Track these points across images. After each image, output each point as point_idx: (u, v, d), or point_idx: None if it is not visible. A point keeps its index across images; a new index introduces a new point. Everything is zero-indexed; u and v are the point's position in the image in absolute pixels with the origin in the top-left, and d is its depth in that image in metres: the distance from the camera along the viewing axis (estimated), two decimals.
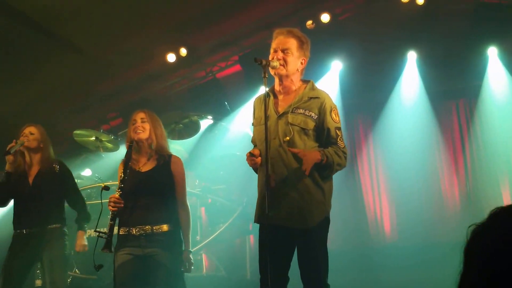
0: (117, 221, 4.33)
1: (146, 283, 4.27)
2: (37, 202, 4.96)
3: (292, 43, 3.89)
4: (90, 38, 7.76)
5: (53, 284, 4.84)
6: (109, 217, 4.29)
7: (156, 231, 4.27)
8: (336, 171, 3.77)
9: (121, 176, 4.32)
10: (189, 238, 4.45)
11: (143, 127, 4.51)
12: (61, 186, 5.10)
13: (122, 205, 4.24)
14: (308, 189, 3.72)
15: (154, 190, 4.37)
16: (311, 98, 3.87)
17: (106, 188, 4.39)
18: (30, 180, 5.06)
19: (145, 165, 4.45)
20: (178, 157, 4.60)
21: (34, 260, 5.00)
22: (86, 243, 5.14)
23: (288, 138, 3.73)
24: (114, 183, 5.92)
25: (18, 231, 4.96)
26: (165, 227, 4.30)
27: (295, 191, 3.71)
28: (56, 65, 8.06)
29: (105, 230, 4.27)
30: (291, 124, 3.77)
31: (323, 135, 3.82)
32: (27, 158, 5.13)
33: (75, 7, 7.02)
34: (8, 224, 5.23)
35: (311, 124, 3.79)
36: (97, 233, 4.26)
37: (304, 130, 3.77)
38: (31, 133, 5.12)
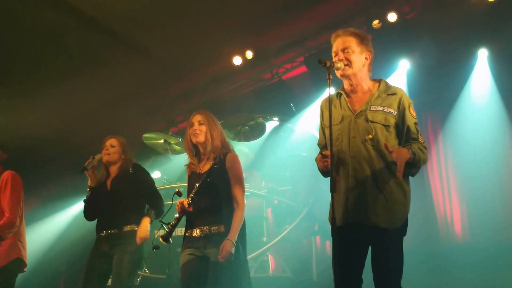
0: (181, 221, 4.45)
1: (206, 282, 4.34)
2: (114, 205, 5.07)
3: (351, 41, 3.86)
4: (157, 41, 7.92)
5: (114, 284, 4.90)
6: (176, 216, 4.42)
7: (214, 231, 4.36)
8: (420, 167, 3.72)
9: (196, 188, 4.39)
10: (235, 228, 4.39)
11: (200, 129, 4.63)
12: (136, 186, 5.15)
13: (190, 210, 4.36)
14: (391, 189, 3.68)
15: (211, 190, 4.44)
16: (388, 94, 3.84)
17: (179, 193, 4.49)
18: (108, 185, 5.21)
19: (204, 167, 4.55)
20: (234, 154, 4.67)
21: (112, 263, 5.00)
22: (148, 233, 5.07)
23: (370, 136, 3.68)
24: (183, 184, 6.05)
25: (98, 234, 5.10)
26: (222, 228, 4.38)
27: (378, 190, 3.65)
28: (124, 68, 8.26)
29: (170, 223, 4.41)
30: (372, 122, 3.73)
31: (403, 131, 3.78)
32: (110, 169, 5.30)
33: (142, 10, 7.16)
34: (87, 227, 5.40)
35: (392, 121, 3.75)
36: (161, 223, 4.44)
37: (385, 127, 3.74)
38: (112, 146, 5.28)
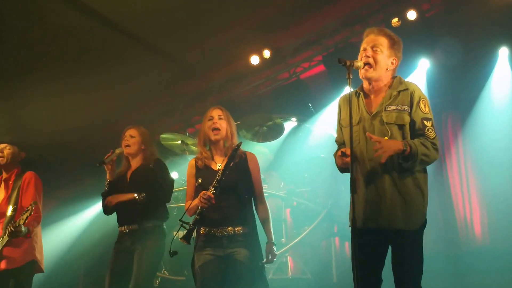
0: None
1: (228, 281, 4.31)
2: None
3: (383, 41, 3.82)
4: (174, 41, 7.91)
5: (135, 282, 4.83)
6: (197, 211, 4.32)
7: (237, 232, 4.32)
8: (424, 162, 3.61)
9: (218, 175, 4.29)
10: (271, 230, 4.49)
11: (220, 124, 4.55)
12: (155, 182, 5.03)
13: (213, 202, 4.23)
14: (409, 190, 3.64)
15: (232, 188, 4.37)
16: (400, 91, 3.78)
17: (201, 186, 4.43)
18: (128, 178, 5.15)
19: (222, 164, 4.44)
20: (253, 154, 4.64)
21: (133, 260, 4.93)
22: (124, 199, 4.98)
23: (386, 138, 3.62)
24: None
25: (119, 228, 5.04)
26: (245, 229, 4.35)
27: (396, 192, 3.62)
28: (140, 68, 8.27)
29: (190, 222, 4.32)
30: (387, 123, 3.68)
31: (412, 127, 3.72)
32: (131, 161, 5.24)
33: (159, 10, 7.16)
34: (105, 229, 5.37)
35: (407, 119, 3.70)
36: (181, 223, 4.33)
37: (402, 127, 3.68)
38: (131, 136, 5.21)
